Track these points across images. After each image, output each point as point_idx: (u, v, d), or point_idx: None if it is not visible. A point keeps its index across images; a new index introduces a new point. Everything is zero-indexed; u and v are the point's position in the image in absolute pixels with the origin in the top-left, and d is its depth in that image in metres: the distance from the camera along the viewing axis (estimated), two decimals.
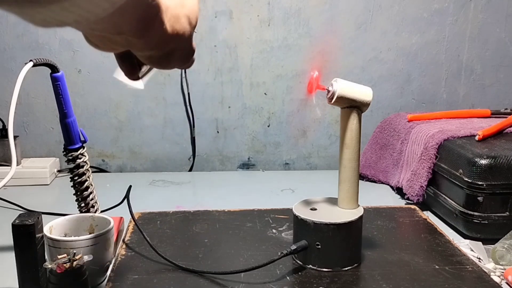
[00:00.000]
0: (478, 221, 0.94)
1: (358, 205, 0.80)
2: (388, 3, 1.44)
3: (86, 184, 0.90)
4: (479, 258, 0.87)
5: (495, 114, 1.28)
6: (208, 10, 1.40)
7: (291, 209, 0.80)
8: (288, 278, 0.75)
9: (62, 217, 0.83)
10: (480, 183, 0.94)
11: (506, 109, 1.30)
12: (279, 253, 0.75)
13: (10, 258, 0.74)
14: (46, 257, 0.74)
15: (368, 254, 0.82)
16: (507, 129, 1.12)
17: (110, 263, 0.79)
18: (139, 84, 0.50)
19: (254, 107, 1.48)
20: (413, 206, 1.06)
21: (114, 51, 0.41)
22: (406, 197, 1.16)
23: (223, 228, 0.93)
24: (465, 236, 0.97)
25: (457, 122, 1.22)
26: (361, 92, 0.75)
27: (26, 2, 0.28)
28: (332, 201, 0.82)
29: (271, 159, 1.52)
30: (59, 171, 1.39)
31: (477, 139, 1.05)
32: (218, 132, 1.49)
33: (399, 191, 1.24)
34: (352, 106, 0.75)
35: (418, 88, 1.50)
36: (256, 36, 1.43)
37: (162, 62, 0.43)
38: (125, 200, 0.90)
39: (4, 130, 1.30)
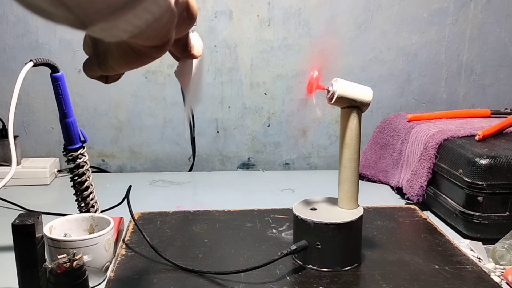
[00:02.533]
0: (478, 221, 0.94)
1: (358, 205, 0.80)
2: (388, 3, 1.44)
3: (86, 184, 0.90)
4: (479, 258, 0.87)
5: (495, 114, 1.28)
6: (208, 10, 1.40)
7: (291, 209, 0.80)
8: (288, 278, 0.75)
9: (62, 217, 0.83)
10: (480, 183, 0.94)
11: (506, 109, 1.30)
12: (279, 253, 0.75)
13: (10, 258, 0.74)
14: (46, 257, 0.74)
15: (368, 254, 0.82)
16: (507, 129, 1.12)
17: (110, 263, 0.79)
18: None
19: (254, 107, 1.48)
20: (413, 206, 1.06)
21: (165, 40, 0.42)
22: (406, 197, 1.16)
23: (223, 228, 0.93)
24: (465, 236, 0.97)
25: (457, 122, 1.22)
26: (361, 92, 0.75)
27: (119, 9, 0.30)
28: (332, 201, 0.82)
29: (271, 159, 1.52)
30: (59, 171, 1.39)
31: (477, 139, 1.05)
32: (218, 132, 1.49)
33: (399, 191, 1.24)
34: (352, 106, 0.76)
35: (418, 88, 1.50)
36: (256, 36, 1.43)
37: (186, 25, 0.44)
38: (125, 200, 0.90)
39: (4, 130, 1.30)
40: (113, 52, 0.41)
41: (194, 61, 0.52)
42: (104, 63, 0.43)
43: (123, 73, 0.47)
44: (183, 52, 0.48)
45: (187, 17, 0.41)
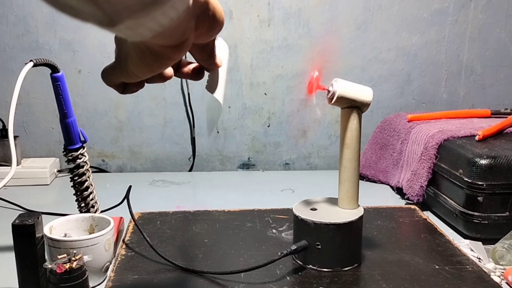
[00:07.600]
0: (478, 221, 0.94)
1: (358, 205, 0.80)
2: (388, 3, 1.44)
3: (86, 184, 0.90)
4: (479, 258, 0.87)
5: (495, 114, 1.28)
6: None
7: (291, 209, 0.80)
8: (288, 278, 0.75)
9: (62, 217, 0.83)
10: (480, 183, 0.94)
11: (506, 109, 1.30)
12: (279, 253, 0.75)
13: (10, 258, 0.74)
14: (46, 257, 0.74)
15: (368, 254, 0.82)
16: (507, 129, 1.12)
17: (110, 263, 0.79)
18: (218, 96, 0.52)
19: (254, 107, 1.48)
20: (413, 206, 1.06)
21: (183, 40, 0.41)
22: (406, 197, 1.16)
23: (223, 228, 0.93)
24: (465, 236, 0.97)
25: (457, 122, 1.22)
26: (361, 92, 0.75)
27: (148, 5, 0.29)
28: (332, 201, 0.83)
29: (271, 159, 1.52)
30: (59, 171, 1.39)
31: (477, 139, 1.05)
32: (218, 132, 1.49)
33: (399, 191, 1.24)
34: (352, 106, 0.75)
35: (418, 88, 1.50)
36: (256, 36, 1.43)
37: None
38: (125, 200, 0.90)
39: (4, 130, 1.30)
40: (132, 55, 0.41)
41: (220, 69, 0.51)
42: (126, 68, 0.42)
43: (142, 86, 0.47)
44: (208, 59, 0.47)
45: (211, 19, 0.40)
